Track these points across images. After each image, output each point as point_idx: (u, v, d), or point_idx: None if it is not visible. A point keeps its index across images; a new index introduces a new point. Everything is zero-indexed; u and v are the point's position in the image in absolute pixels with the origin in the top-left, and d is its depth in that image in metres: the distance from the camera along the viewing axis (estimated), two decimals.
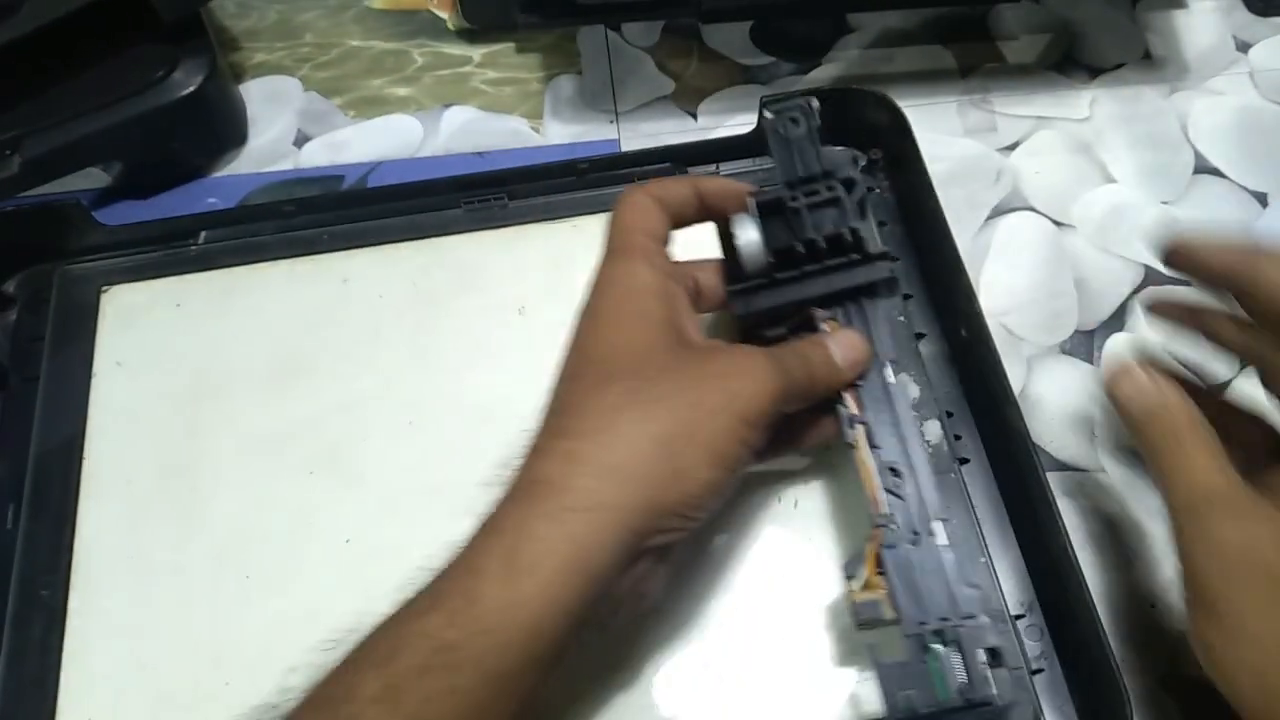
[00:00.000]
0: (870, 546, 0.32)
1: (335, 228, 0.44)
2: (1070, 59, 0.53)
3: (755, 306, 0.34)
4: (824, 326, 0.34)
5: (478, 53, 0.54)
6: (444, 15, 0.55)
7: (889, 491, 0.33)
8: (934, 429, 0.39)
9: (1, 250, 0.42)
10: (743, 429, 0.29)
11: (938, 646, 0.31)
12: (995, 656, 0.31)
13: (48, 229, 0.42)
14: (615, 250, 0.33)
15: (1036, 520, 0.36)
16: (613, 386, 0.29)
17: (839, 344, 0.33)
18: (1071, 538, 0.34)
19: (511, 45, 0.54)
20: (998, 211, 0.47)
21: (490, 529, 0.28)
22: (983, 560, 0.36)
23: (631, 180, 0.45)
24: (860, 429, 0.34)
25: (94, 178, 0.48)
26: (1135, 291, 0.45)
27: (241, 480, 0.38)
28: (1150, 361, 0.32)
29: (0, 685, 0.35)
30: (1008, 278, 0.46)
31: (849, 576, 0.32)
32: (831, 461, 0.38)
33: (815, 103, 0.37)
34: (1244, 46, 0.53)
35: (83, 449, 0.39)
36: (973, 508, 0.37)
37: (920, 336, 0.41)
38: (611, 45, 0.54)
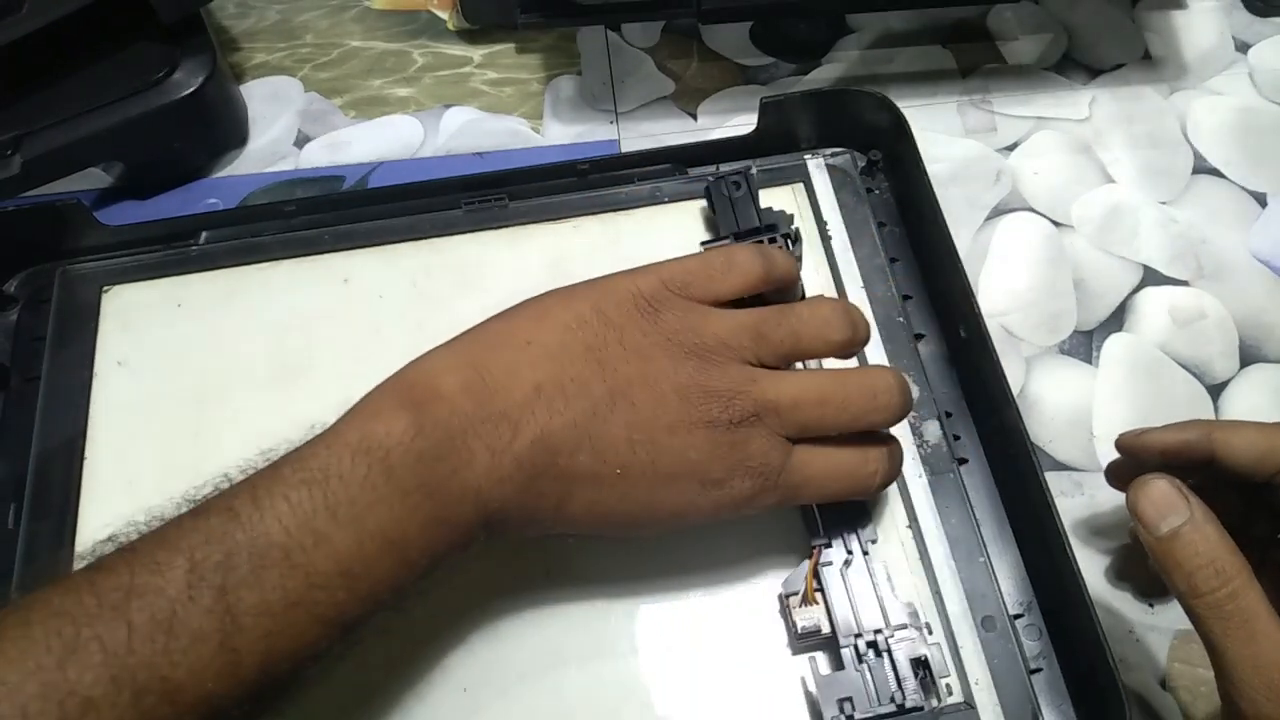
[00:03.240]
0: (810, 564, 0.35)
1: (336, 228, 0.44)
2: (1070, 59, 0.53)
3: None
4: None
5: (478, 53, 0.54)
6: (444, 15, 0.55)
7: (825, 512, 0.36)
8: (933, 429, 0.39)
9: (3, 250, 0.42)
10: None
11: (870, 657, 0.33)
12: (925, 667, 0.33)
13: (49, 229, 0.42)
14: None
15: (1035, 520, 0.36)
16: None
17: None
18: (1070, 538, 0.34)
19: (511, 45, 0.54)
20: (997, 212, 0.47)
21: None
22: (981, 560, 0.36)
23: (631, 181, 0.45)
24: None
25: (94, 178, 0.48)
26: (1134, 292, 0.45)
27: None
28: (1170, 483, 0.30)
29: None
30: (1007, 278, 0.46)
31: (789, 594, 0.35)
32: None
33: (754, 170, 0.43)
34: (1244, 46, 0.53)
35: (84, 449, 0.39)
36: (971, 508, 0.37)
37: (919, 337, 0.41)
38: (611, 45, 0.54)
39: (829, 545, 0.35)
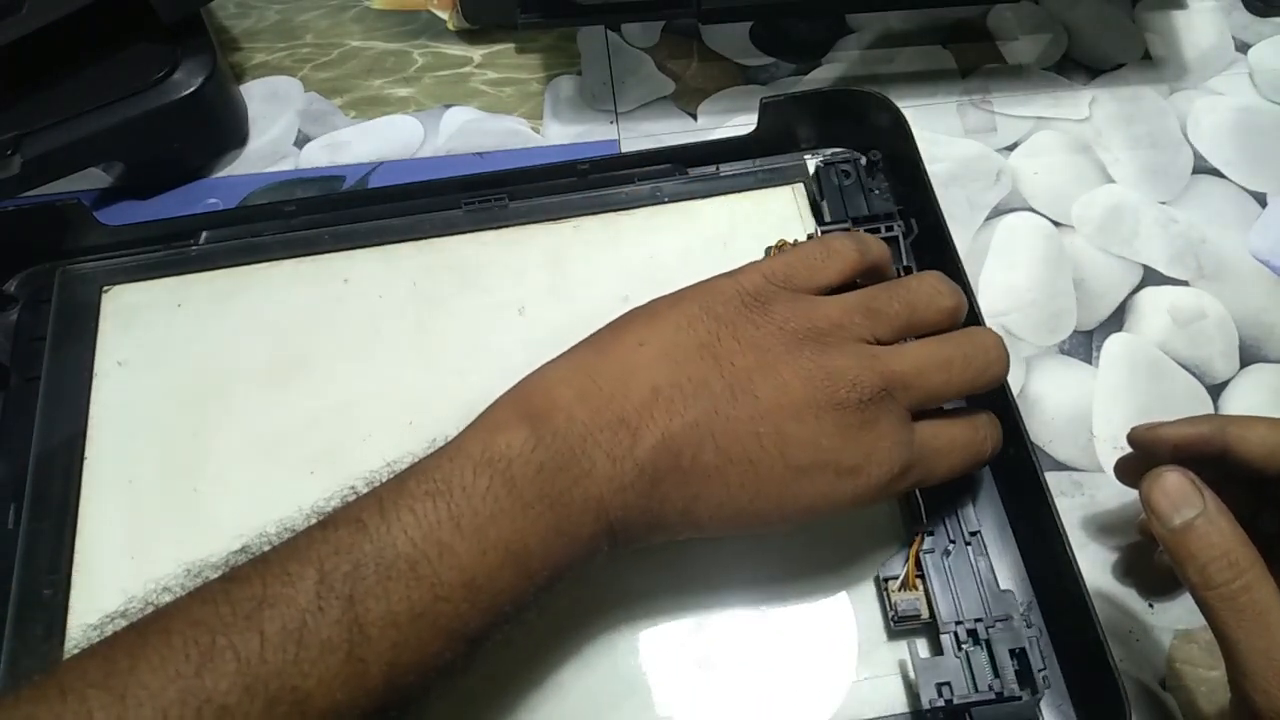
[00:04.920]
0: (912, 549, 0.35)
1: (336, 228, 0.44)
2: (1070, 59, 0.53)
3: None
4: None
5: (478, 53, 0.54)
6: (444, 15, 0.55)
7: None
8: None
9: (3, 250, 0.43)
10: None
11: (970, 645, 0.33)
12: (1022, 657, 0.33)
13: (49, 229, 0.42)
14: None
15: (1036, 520, 0.36)
16: None
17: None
18: (1070, 538, 0.34)
19: (511, 45, 0.54)
20: (997, 212, 0.47)
21: None
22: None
23: (632, 181, 0.45)
24: None
25: (94, 178, 0.48)
26: (1134, 292, 0.45)
27: (242, 480, 0.38)
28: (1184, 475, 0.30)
29: (0, 685, 0.35)
30: (1007, 278, 0.46)
31: (888, 578, 0.35)
32: None
33: (863, 160, 0.44)
34: (1244, 46, 0.53)
35: (84, 449, 0.39)
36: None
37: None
38: (611, 45, 0.54)
39: (931, 532, 0.35)
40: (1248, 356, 0.44)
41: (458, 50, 0.54)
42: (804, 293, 0.32)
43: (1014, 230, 0.47)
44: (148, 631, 0.25)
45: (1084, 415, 0.42)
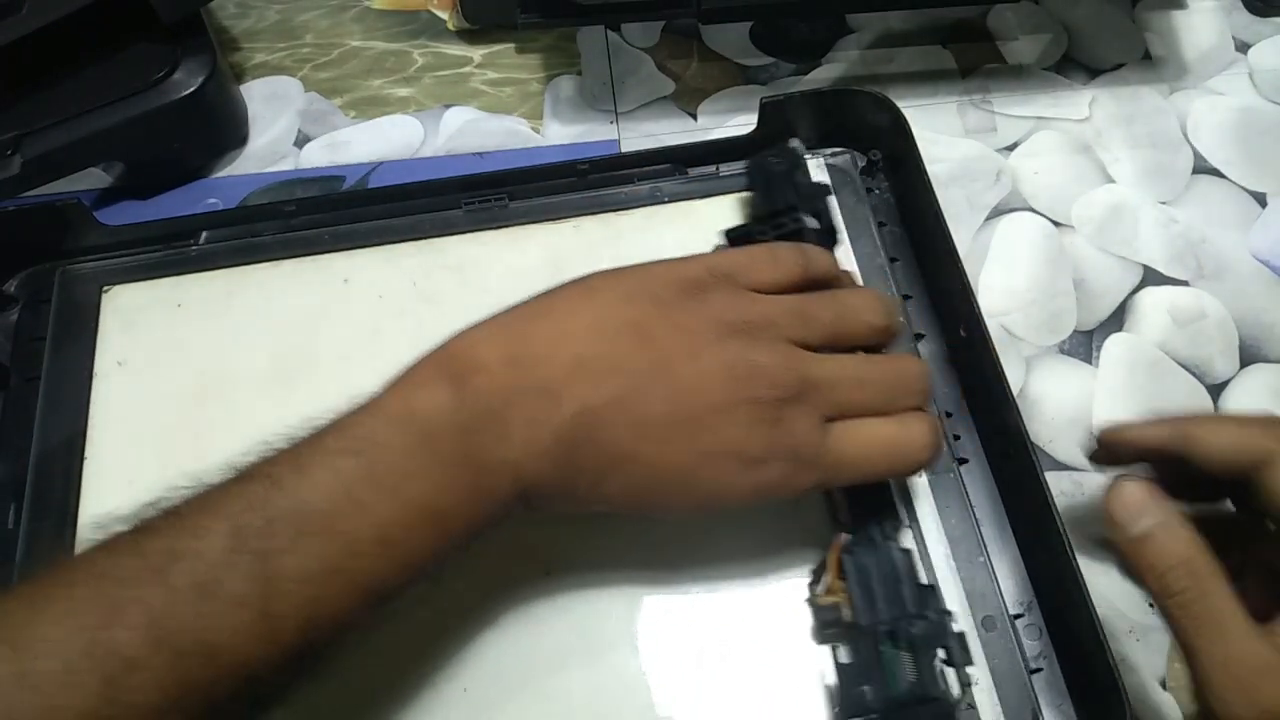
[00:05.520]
0: (834, 551, 0.34)
1: (336, 228, 0.44)
2: (1070, 59, 0.53)
3: None
4: None
5: (478, 53, 0.54)
6: (444, 15, 0.55)
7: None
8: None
9: (3, 250, 0.42)
10: None
11: (891, 646, 0.33)
12: (948, 656, 0.33)
13: (49, 228, 0.42)
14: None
15: (1035, 520, 0.36)
16: None
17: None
18: (1070, 538, 0.34)
19: (511, 45, 0.54)
20: (997, 212, 0.48)
21: None
22: (981, 560, 0.36)
23: (631, 181, 0.45)
24: None
25: (94, 178, 0.48)
26: (1134, 291, 0.45)
27: None
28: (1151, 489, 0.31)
29: None
30: (1007, 278, 0.46)
31: (813, 582, 0.35)
32: None
33: (801, 148, 0.43)
34: (1243, 46, 0.53)
35: (84, 449, 0.39)
36: (971, 508, 0.37)
37: (919, 337, 0.41)
38: (611, 45, 0.54)
39: (852, 533, 0.35)
40: (1248, 356, 0.44)
41: (458, 50, 0.54)
42: (742, 289, 0.33)
43: (1014, 230, 0.47)
44: (51, 584, 0.25)
45: (1084, 415, 0.42)
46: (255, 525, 0.26)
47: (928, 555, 0.36)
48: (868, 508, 0.35)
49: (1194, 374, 0.43)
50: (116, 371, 0.41)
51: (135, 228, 0.44)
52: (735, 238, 0.40)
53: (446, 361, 0.30)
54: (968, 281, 0.39)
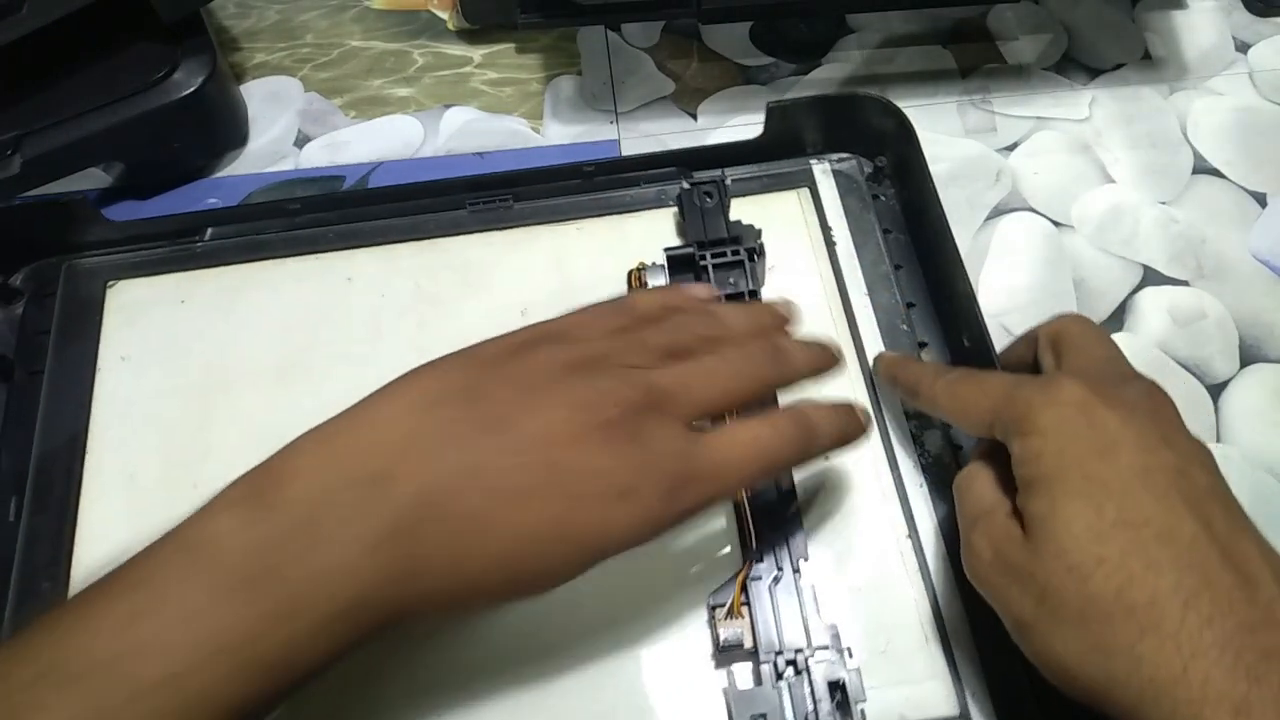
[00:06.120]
0: (739, 577, 0.34)
1: (340, 227, 0.44)
2: (1070, 59, 0.53)
3: None
4: None
5: (478, 53, 0.54)
6: (444, 15, 0.55)
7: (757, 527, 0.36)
8: (934, 438, 0.39)
9: (8, 244, 0.43)
10: None
11: (789, 675, 0.33)
12: (842, 690, 0.33)
13: (55, 223, 0.42)
14: None
15: None
16: None
17: None
18: None
19: (511, 45, 0.54)
20: (997, 212, 0.48)
21: None
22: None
23: (637, 184, 0.45)
24: None
25: (95, 178, 0.48)
26: (1134, 291, 0.45)
27: None
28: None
29: None
30: (1007, 278, 0.46)
31: (715, 605, 0.34)
32: None
33: (728, 180, 0.44)
34: (1243, 46, 0.53)
35: (86, 443, 0.39)
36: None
37: (923, 345, 0.41)
38: (611, 45, 0.54)
39: (760, 560, 0.35)
40: (1248, 356, 0.44)
41: (458, 50, 0.54)
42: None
43: (1014, 230, 0.47)
44: None
45: None
46: (24, 678, 0.24)
47: (926, 564, 0.36)
48: (776, 538, 0.36)
49: (1194, 374, 0.43)
50: (120, 366, 0.41)
51: (140, 224, 0.44)
52: (675, 258, 0.40)
53: (260, 475, 0.27)
54: (972, 289, 0.39)
